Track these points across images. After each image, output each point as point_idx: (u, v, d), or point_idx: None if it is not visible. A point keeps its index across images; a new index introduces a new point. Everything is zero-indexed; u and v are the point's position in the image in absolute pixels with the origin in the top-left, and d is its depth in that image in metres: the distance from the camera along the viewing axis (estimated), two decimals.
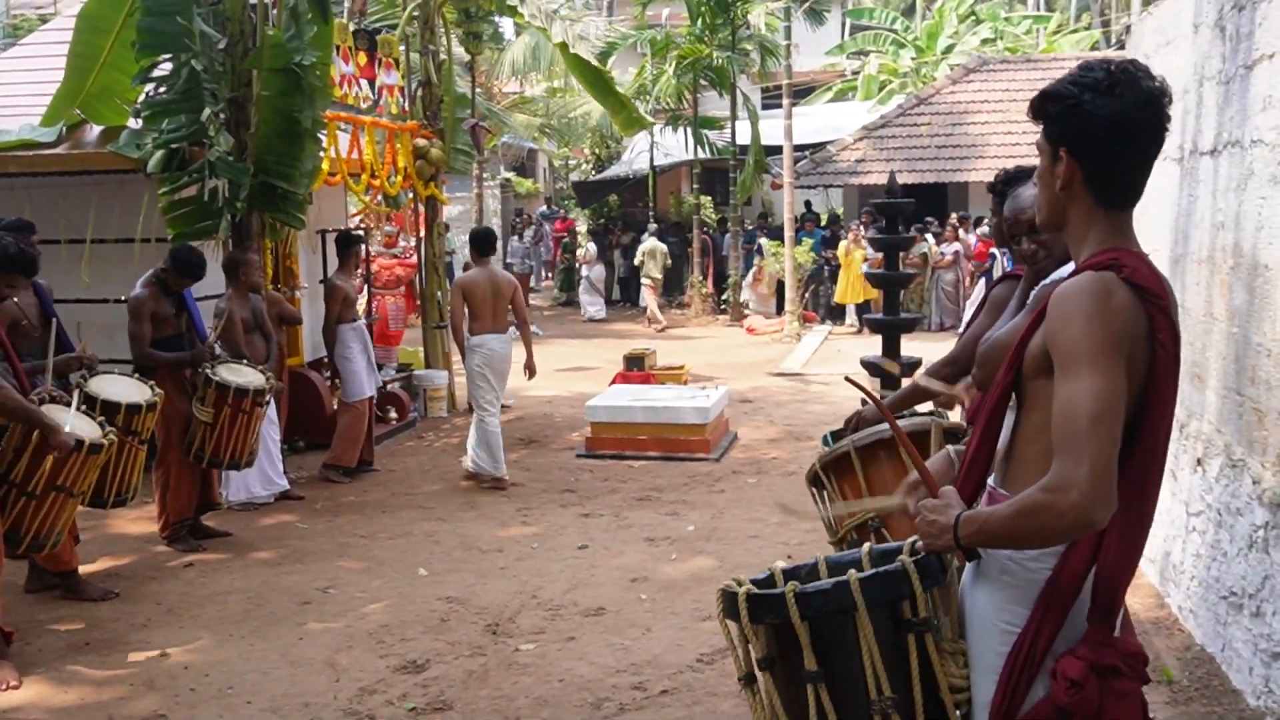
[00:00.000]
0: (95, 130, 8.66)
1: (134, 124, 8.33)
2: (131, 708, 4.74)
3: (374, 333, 10.55)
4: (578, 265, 22.04)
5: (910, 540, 2.36)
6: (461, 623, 5.68)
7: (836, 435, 4.15)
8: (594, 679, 4.96)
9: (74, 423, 5.38)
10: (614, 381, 11.41)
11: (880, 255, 16.42)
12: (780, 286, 18.49)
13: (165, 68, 7.90)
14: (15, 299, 6.00)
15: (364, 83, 10.14)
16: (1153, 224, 6.05)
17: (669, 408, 9.33)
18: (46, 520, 5.37)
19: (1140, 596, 5.69)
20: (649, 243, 20.10)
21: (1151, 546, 5.79)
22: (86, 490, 5.62)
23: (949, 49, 26.75)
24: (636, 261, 20.45)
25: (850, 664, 2.22)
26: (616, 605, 5.89)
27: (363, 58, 10.12)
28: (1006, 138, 19.10)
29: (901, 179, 18.59)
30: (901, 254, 10.01)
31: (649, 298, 19.73)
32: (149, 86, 7.95)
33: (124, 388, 6.07)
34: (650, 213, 21.81)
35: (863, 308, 17.59)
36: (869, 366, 9.75)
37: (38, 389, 5.65)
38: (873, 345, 14.54)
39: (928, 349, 13.41)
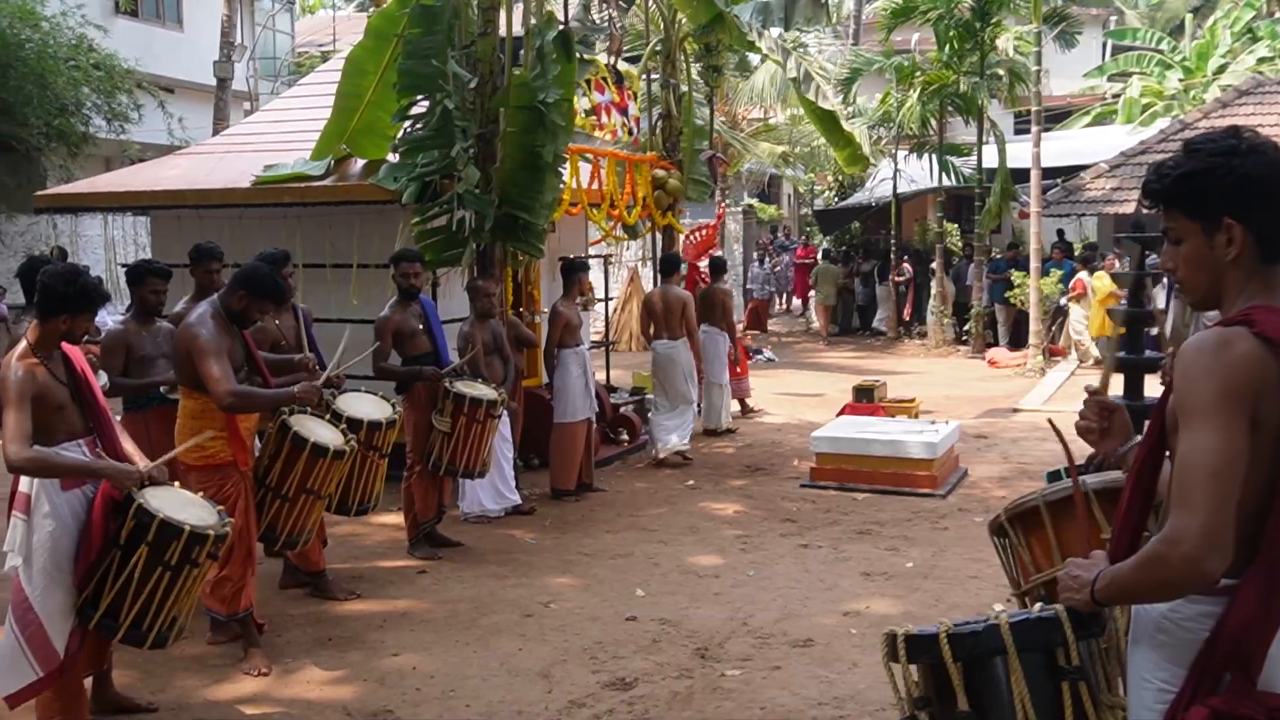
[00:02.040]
0: (359, 164, 9.24)
1: (393, 158, 8.84)
2: (364, 702, 5.12)
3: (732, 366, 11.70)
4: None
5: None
6: (672, 644, 5.82)
7: (1056, 476, 4.01)
8: (796, 709, 5.00)
9: (319, 430, 5.79)
10: (842, 412, 11.33)
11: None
12: (1023, 318, 17.89)
13: (421, 106, 8.40)
14: (276, 321, 6.60)
15: (616, 113, 10.53)
16: None
17: (896, 440, 9.21)
18: (298, 521, 5.83)
19: None
20: (820, 265, 22.07)
21: None
22: (333, 494, 6.03)
23: (1221, 69, 25.19)
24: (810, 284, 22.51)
25: (1001, 708, 2.23)
26: (826, 638, 5.89)
27: (614, 89, 10.52)
28: None
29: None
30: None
31: (818, 315, 22.01)
32: (406, 124, 8.47)
33: (368, 406, 6.45)
34: (893, 240, 21.49)
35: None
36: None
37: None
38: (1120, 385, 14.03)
39: None
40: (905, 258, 21.70)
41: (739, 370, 12.32)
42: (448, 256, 8.48)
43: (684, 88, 12.07)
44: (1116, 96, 26.98)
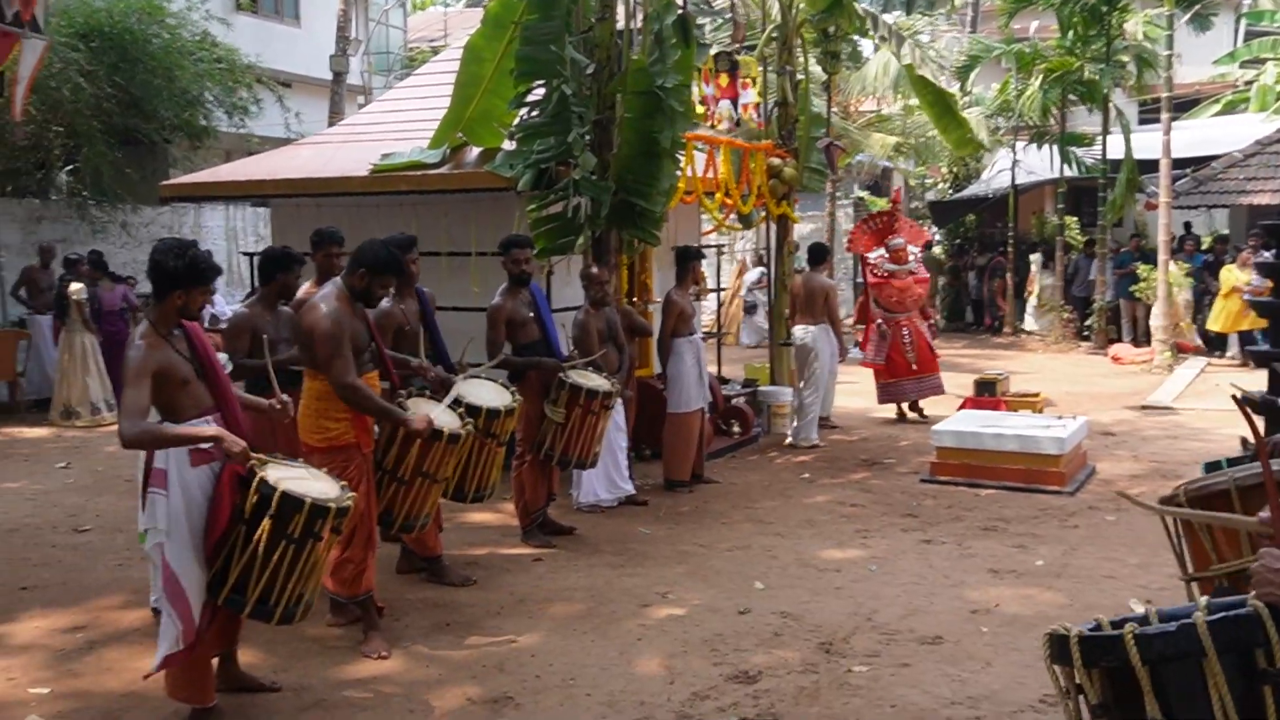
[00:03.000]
0: (475, 152, 9.24)
1: (509, 145, 8.83)
2: (484, 687, 5.08)
3: (918, 358, 11.70)
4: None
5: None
6: (795, 638, 5.67)
7: (1215, 467, 3.78)
8: (928, 708, 4.82)
9: (439, 415, 5.78)
10: (963, 406, 11.09)
11: (1268, 283, 15.23)
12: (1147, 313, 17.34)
13: (538, 93, 8.36)
14: (401, 306, 6.61)
15: (725, 103, 10.43)
16: None
17: (1021, 435, 8.95)
18: (415, 504, 5.82)
19: None
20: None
21: None
22: (450, 478, 6.02)
23: None
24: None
25: (1197, 714, 2.04)
26: (955, 636, 5.69)
27: (724, 79, 10.42)
28: None
29: None
30: None
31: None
32: (523, 111, 8.44)
33: (488, 393, 6.43)
34: (1010, 233, 20.97)
35: (1247, 338, 16.11)
36: (1247, 404, 8.94)
37: (408, 386, 6.14)
38: (1258, 381, 13.48)
39: None
40: (1001, 251, 21.15)
41: (915, 367, 11.75)
42: (562, 244, 8.46)
43: (800, 75, 11.89)
44: (1249, 83, 25.87)
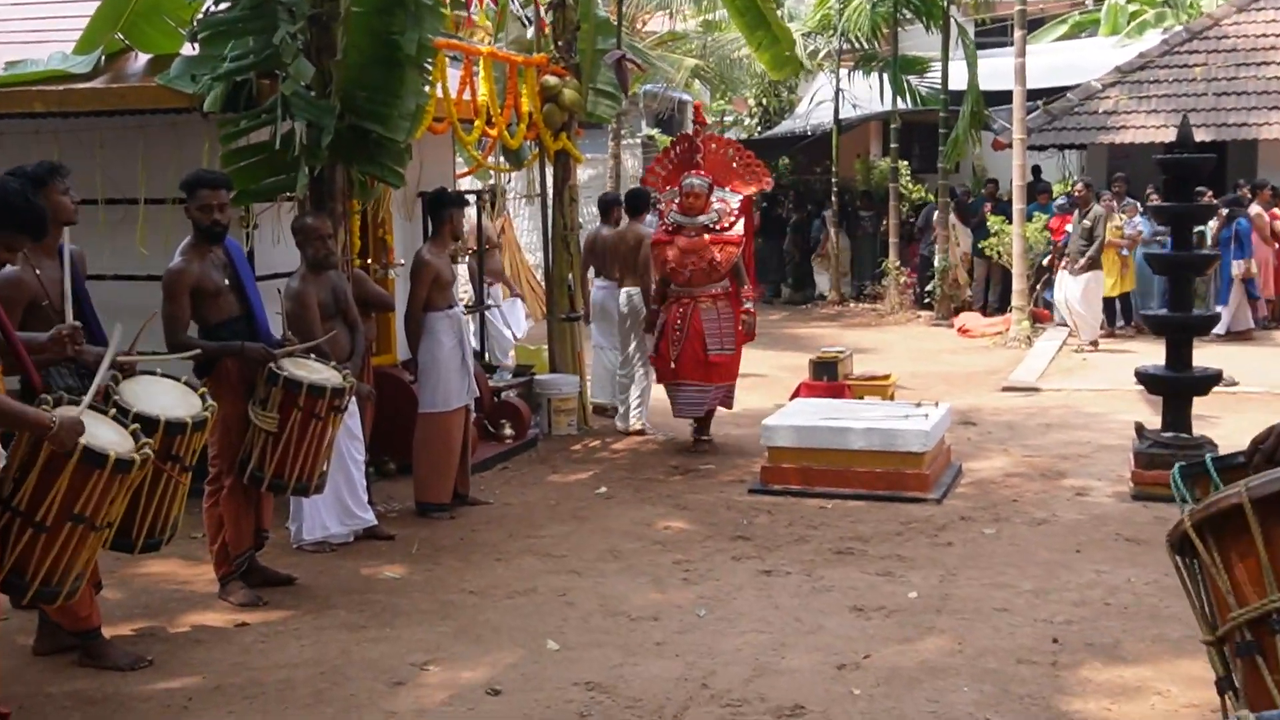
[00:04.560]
0: (142, 59, 8.73)
1: (189, 50, 8.35)
2: None
3: (681, 357, 10.16)
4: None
5: None
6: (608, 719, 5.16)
7: (1190, 471, 3.42)
8: None
9: (101, 430, 5.09)
10: (797, 394, 11.05)
11: (1154, 233, 15.77)
12: (1004, 276, 17.72)
13: None
14: (37, 270, 5.79)
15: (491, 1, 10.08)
16: None
17: (874, 429, 8.88)
18: (60, 560, 5.13)
19: None
20: None
21: None
22: (113, 522, 5.37)
23: None
24: None
25: None
26: (820, 702, 5.32)
27: None
28: None
29: (1162, 135, 17.65)
30: (1199, 230, 9.23)
31: None
32: (209, 2, 7.99)
33: (167, 397, 5.82)
34: (833, 180, 21.19)
35: (1115, 303, 16.62)
36: (1148, 380, 9.02)
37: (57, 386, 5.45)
38: (1140, 351, 14.02)
39: (1220, 355, 12.68)
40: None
41: (674, 366, 10.32)
42: (269, 185, 7.96)
43: None
44: (1099, 1, 27.12)
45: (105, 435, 5.12)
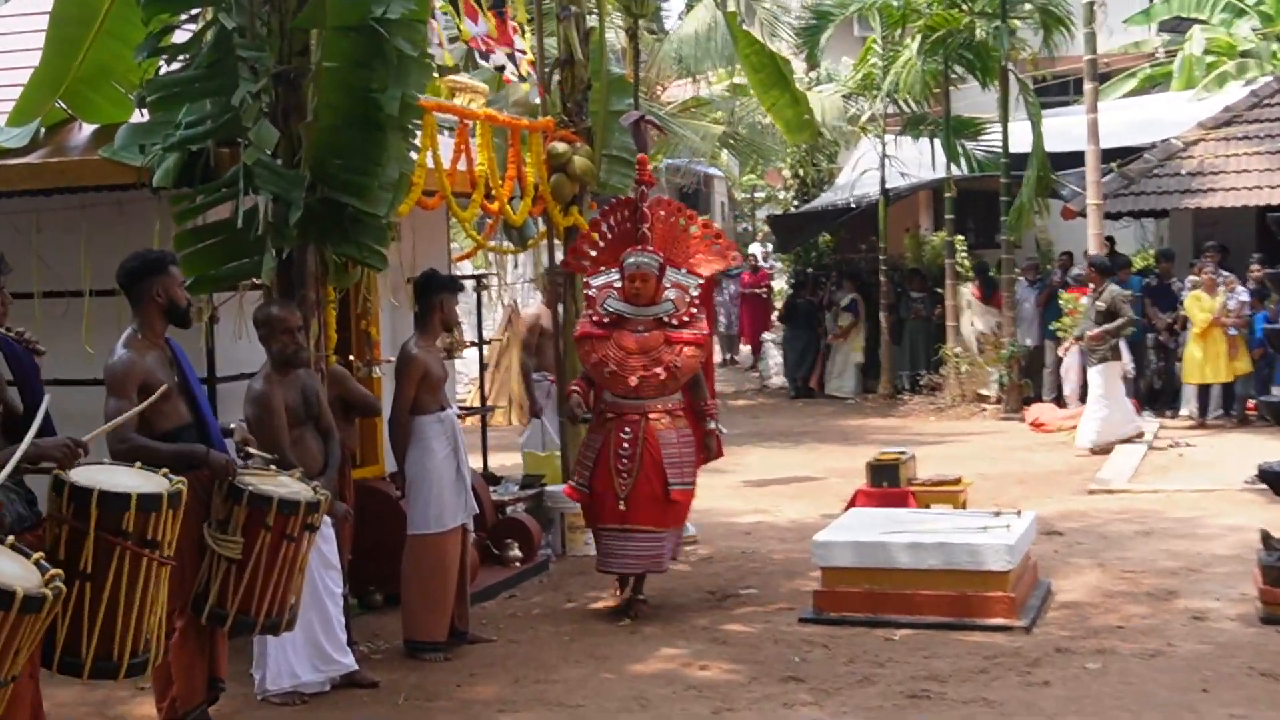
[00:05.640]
0: (87, 130, 8.68)
1: (140, 117, 8.24)
2: None
3: (633, 494, 8.86)
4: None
5: None
6: None
7: None
8: None
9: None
10: (853, 503, 10.77)
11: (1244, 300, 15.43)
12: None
13: (187, 31, 7.92)
14: None
15: (498, 54, 10.36)
16: None
17: (949, 544, 8.59)
18: None
19: None
20: None
21: None
22: (16, 675, 4.88)
23: None
24: None
25: None
26: None
27: (491, 19, 10.34)
28: None
29: (1254, 199, 17.36)
30: None
31: None
32: (161, 61, 7.98)
33: (126, 476, 5.59)
34: (880, 258, 21.13)
35: (1208, 391, 16.46)
36: (1276, 480, 8.61)
37: None
38: (1242, 445, 13.70)
39: None
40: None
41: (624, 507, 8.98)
42: (231, 270, 7.84)
43: (592, 19, 11.38)
44: (1171, 53, 27.04)
45: (9, 569, 4.69)
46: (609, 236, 9.43)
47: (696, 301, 9.08)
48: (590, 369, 9.05)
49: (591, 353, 8.96)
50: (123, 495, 5.32)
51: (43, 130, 8.56)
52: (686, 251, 9.33)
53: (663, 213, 9.47)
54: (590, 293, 9.32)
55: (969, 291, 19.44)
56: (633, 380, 8.77)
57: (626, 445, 8.77)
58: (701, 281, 9.23)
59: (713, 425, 9.14)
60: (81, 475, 5.41)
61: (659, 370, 8.78)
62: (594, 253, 9.46)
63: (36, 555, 4.94)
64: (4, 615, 4.56)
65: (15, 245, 8.23)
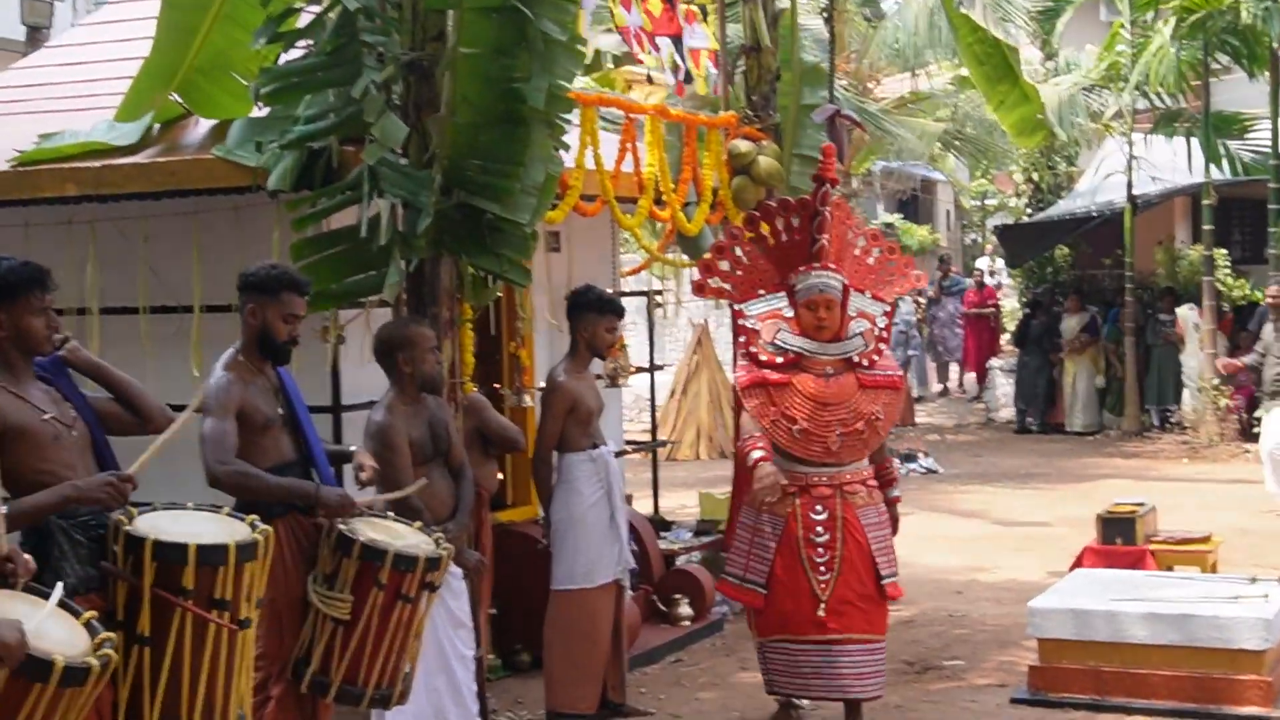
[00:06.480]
0: (204, 126, 8.66)
1: (258, 111, 8.22)
2: None
3: (833, 596, 7.82)
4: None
5: None
6: None
7: None
8: None
9: (41, 624, 4.54)
10: (1079, 562, 10.40)
11: None
12: None
13: (309, 15, 7.82)
14: (17, 393, 5.40)
15: (665, 44, 10.18)
16: None
17: (1192, 616, 8.22)
18: None
19: None
20: None
21: None
22: None
23: None
24: None
25: None
26: None
27: (656, 4, 10.08)
28: None
29: None
30: None
31: None
32: (283, 51, 7.89)
33: (197, 523, 5.51)
34: (1127, 274, 20.74)
35: None
36: None
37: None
38: None
39: None
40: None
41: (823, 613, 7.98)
42: (354, 284, 7.68)
43: (783, 1, 11.28)
44: None
45: (55, 633, 4.58)
46: (776, 247, 8.38)
47: (885, 335, 8.18)
48: (769, 428, 7.86)
49: (769, 406, 7.85)
50: (179, 546, 5.19)
51: (156, 127, 8.62)
52: (860, 270, 8.37)
53: (838, 214, 8.32)
54: (747, 323, 8.23)
55: (1194, 315, 19.11)
56: (832, 441, 7.74)
57: (822, 529, 7.67)
58: (888, 309, 8.28)
59: (896, 493, 8.24)
60: (143, 522, 5.33)
61: (859, 426, 7.76)
62: (739, 272, 8.39)
63: (87, 615, 4.84)
64: (41, 689, 4.44)
65: (122, 253, 8.55)
